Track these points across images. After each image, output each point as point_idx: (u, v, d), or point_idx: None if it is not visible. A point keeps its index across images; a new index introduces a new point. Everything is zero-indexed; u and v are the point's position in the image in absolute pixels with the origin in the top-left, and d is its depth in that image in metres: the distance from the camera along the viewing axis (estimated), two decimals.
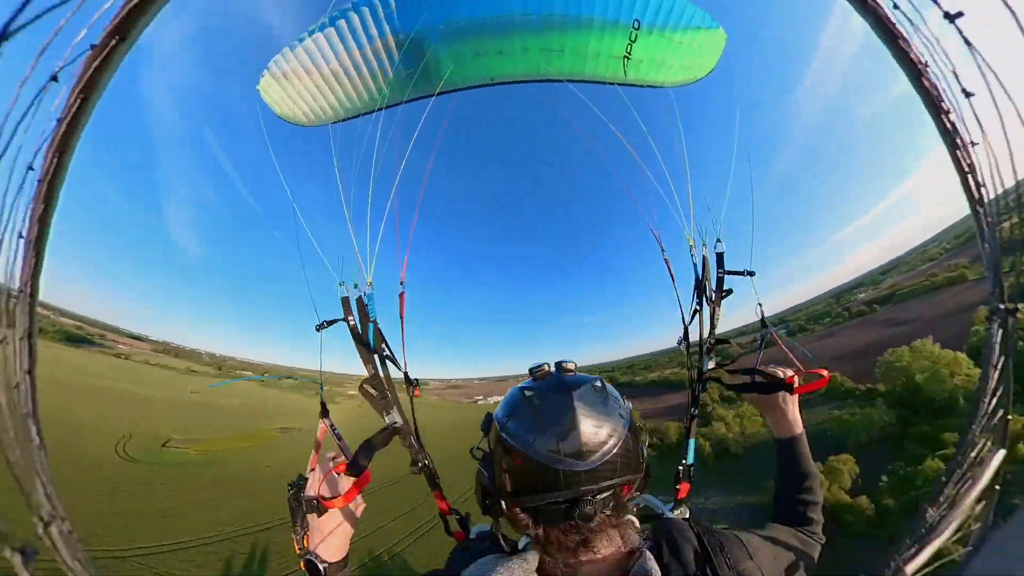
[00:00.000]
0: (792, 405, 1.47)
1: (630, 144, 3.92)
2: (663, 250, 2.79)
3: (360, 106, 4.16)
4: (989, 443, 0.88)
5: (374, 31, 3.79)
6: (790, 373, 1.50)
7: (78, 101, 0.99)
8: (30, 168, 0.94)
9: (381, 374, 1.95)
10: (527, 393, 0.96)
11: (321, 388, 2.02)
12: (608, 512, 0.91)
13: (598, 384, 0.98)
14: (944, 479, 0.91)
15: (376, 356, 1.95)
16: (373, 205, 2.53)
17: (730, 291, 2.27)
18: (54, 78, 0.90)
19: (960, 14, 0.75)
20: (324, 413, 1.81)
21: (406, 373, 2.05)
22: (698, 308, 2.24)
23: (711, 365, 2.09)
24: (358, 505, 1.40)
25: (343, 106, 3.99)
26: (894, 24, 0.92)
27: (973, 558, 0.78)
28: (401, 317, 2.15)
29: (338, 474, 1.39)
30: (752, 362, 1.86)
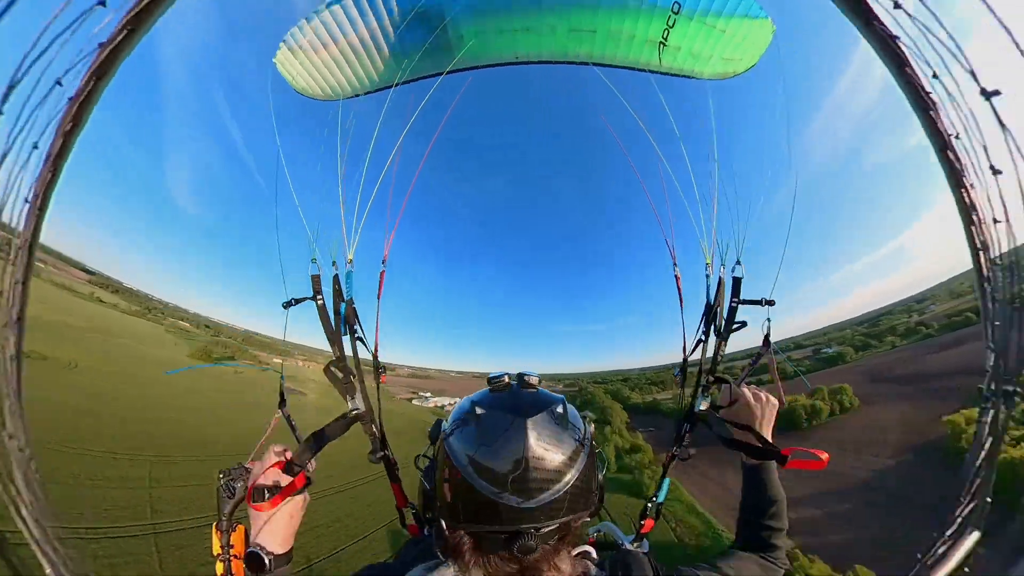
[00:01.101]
0: (768, 428, 1.46)
1: (655, 140, 3.79)
2: (675, 264, 2.67)
3: (377, 81, 4.12)
4: (965, 524, 0.91)
5: (394, 2, 3.70)
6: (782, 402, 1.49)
7: (126, 31, 1.00)
8: (58, 83, 0.96)
9: (349, 356, 1.91)
10: (478, 410, 0.89)
11: (281, 377, 1.91)
12: (552, 543, 0.87)
13: (558, 410, 0.90)
14: (919, 555, 0.95)
15: (348, 336, 1.91)
16: (366, 183, 2.44)
17: (743, 324, 2.08)
18: (102, 2, 0.92)
19: (997, 92, 0.72)
20: (281, 403, 1.76)
21: (376, 356, 1.98)
22: (703, 339, 2.12)
23: (703, 406, 1.98)
24: (304, 498, 1.34)
25: (360, 81, 3.96)
26: (928, 94, 0.89)
27: None
28: (379, 297, 2.10)
29: (269, 486, 1.27)
30: (743, 377, 1.82)
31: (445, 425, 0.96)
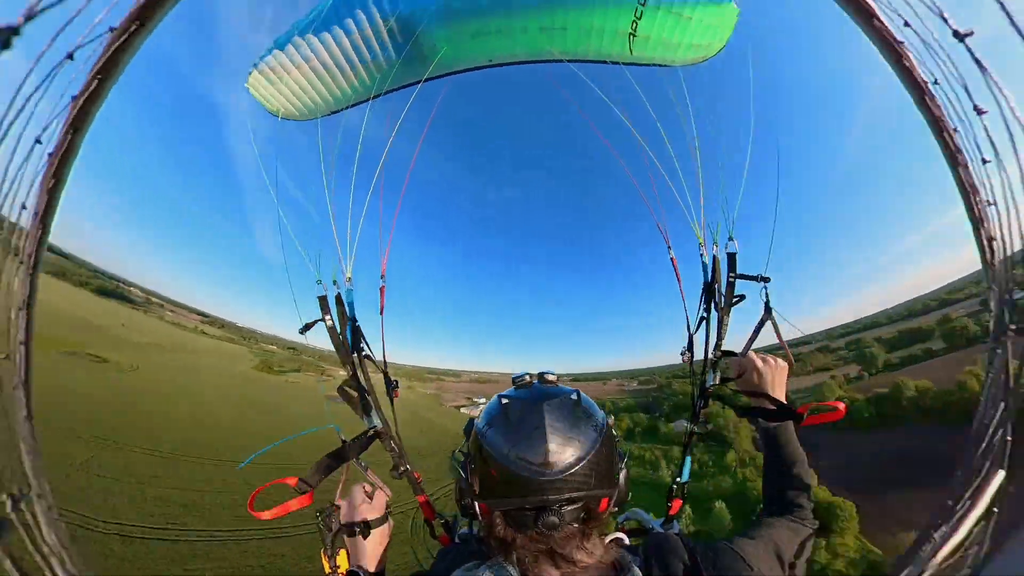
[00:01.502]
0: (781, 391, 1.50)
1: (639, 130, 3.85)
2: (669, 247, 2.71)
3: (352, 96, 4.13)
4: (989, 465, 0.92)
5: (363, 15, 3.73)
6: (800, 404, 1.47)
7: (95, 81, 1.04)
8: (37, 141, 0.98)
9: (360, 375, 1.97)
10: (504, 401, 1.04)
11: (339, 432, 1.97)
12: (578, 524, 0.95)
13: (573, 397, 1.03)
14: (949, 502, 0.96)
15: (355, 356, 1.97)
16: (356, 198, 2.53)
17: (742, 297, 2.13)
18: (70, 56, 0.94)
19: (970, 33, 0.75)
20: (346, 456, 1.86)
21: (386, 373, 2.08)
22: (705, 316, 2.16)
23: (716, 380, 2.02)
24: (389, 524, 1.60)
25: (335, 98, 3.96)
26: (900, 44, 0.92)
27: None
28: (381, 312, 2.17)
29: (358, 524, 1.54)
30: (748, 345, 1.83)
31: (477, 421, 1.10)
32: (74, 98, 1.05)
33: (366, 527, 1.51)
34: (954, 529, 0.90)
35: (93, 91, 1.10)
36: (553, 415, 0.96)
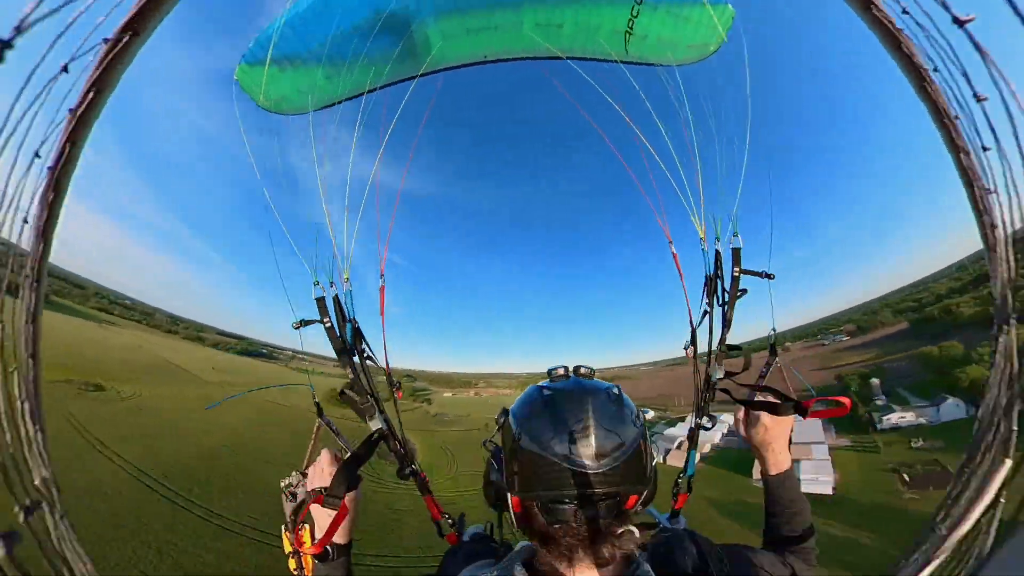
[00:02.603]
0: (784, 443, 1.51)
1: (639, 125, 3.89)
2: (671, 242, 2.74)
3: (344, 90, 4.11)
4: (995, 454, 0.93)
5: (356, 7, 3.73)
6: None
7: (91, 93, 1.05)
8: (36, 155, 0.99)
9: (362, 377, 1.96)
10: (545, 392, 1.04)
11: (312, 392, 2.07)
12: (611, 519, 0.96)
13: (614, 391, 1.04)
14: (952, 492, 0.96)
15: (356, 358, 1.97)
16: (352, 196, 2.52)
17: (744, 291, 2.18)
18: (64, 69, 0.95)
19: (970, 19, 0.77)
20: (319, 413, 1.91)
21: (388, 374, 2.09)
22: (708, 310, 2.19)
23: (720, 374, 2.05)
24: (357, 496, 1.49)
25: (326, 91, 3.95)
26: (900, 31, 0.94)
27: (979, 572, 0.83)
28: (381, 313, 2.17)
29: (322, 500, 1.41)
30: (758, 382, 1.85)
31: (513, 409, 1.10)
32: (71, 110, 1.06)
33: (336, 493, 1.41)
34: (960, 520, 0.91)
35: (90, 102, 1.12)
36: (598, 408, 0.97)
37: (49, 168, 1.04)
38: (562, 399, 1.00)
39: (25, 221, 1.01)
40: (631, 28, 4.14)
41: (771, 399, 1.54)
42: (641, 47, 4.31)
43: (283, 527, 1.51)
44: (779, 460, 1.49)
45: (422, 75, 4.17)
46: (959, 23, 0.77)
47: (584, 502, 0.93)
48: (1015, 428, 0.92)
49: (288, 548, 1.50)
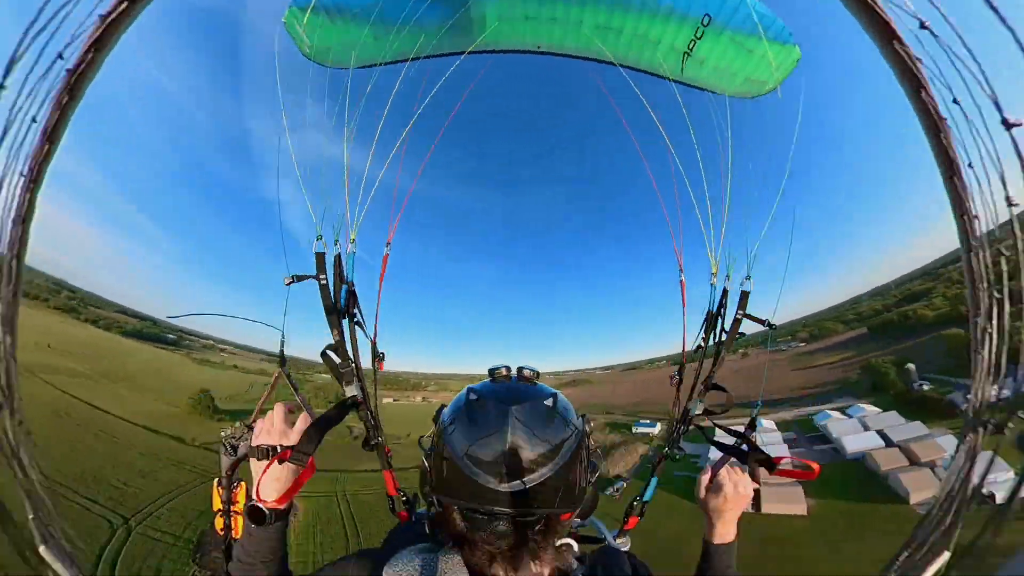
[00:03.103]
0: (736, 516, 1.51)
1: (672, 147, 3.87)
2: (681, 271, 2.76)
3: (390, 53, 4.08)
4: (936, 541, 0.96)
5: None
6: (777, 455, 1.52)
7: (124, 3, 1.05)
8: (60, 56, 1.00)
9: (347, 341, 1.94)
10: (471, 396, 0.98)
11: (282, 338, 1.96)
12: (535, 536, 0.92)
13: (548, 403, 0.96)
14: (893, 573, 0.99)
15: (346, 319, 1.94)
16: (373, 161, 2.49)
17: (743, 335, 2.23)
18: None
19: (1019, 123, 0.77)
20: (282, 363, 1.81)
21: (374, 343, 2.05)
22: (702, 345, 2.23)
23: (699, 410, 2.09)
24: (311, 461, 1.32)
25: (373, 51, 3.92)
26: (943, 119, 0.94)
27: None
28: (380, 281, 2.16)
29: (281, 461, 1.27)
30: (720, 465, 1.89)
31: (444, 410, 1.05)
32: (102, 16, 1.06)
33: (307, 450, 1.27)
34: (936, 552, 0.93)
35: (123, 11, 1.11)
36: (521, 422, 0.89)
37: (67, 71, 1.04)
38: (484, 407, 0.94)
39: (34, 120, 1.02)
40: (691, 49, 4.07)
41: (742, 447, 1.58)
42: (698, 70, 4.24)
43: (215, 481, 1.36)
44: (727, 531, 1.50)
45: (469, 53, 4.13)
46: (1007, 126, 0.77)
47: (494, 517, 0.88)
48: (961, 524, 0.95)
49: (218, 505, 1.34)
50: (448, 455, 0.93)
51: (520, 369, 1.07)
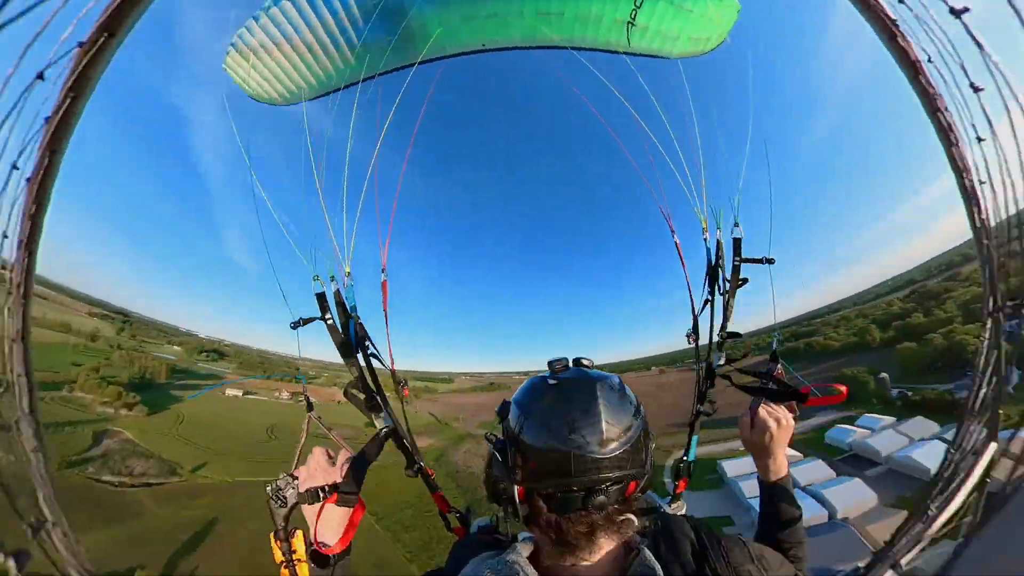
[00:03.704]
0: (782, 449, 1.52)
1: (638, 115, 3.91)
2: (673, 232, 2.74)
3: (337, 79, 4.07)
4: (983, 437, 0.97)
5: None
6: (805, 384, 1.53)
7: (68, 99, 1.02)
8: (14, 167, 0.97)
9: (367, 375, 1.94)
10: (551, 382, 1.05)
11: (303, 382, 2.07)
12: (615, 505, 0.97)
13: (616, 381, 1.08)
14: (942, 472, 1.00)
15: (359, 355, 1.94)
16: (349, 190, 2.48)
17: (746, 280, 2.23)
18: (40, 76, 0.93)
19: (966, 9, 0.79)
20: (308, 408, 1.83)
21: (393, 371, 2.05)
22: (710, 298, 2.23)
23: (721, 361, 2.10)
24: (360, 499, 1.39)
25: (319, 80, 3.90)
26: (894, 21, 0.96)
27: (965, 550, 0.87)
28: (384, 309, 2.15)
29: (330, 500, 1.31)
30: (757, 376, 1.85)
31: (517, 399, 1.11)
32: (47, 119, 1.04)
33: (333, 490, 1.31)
34: (949, 500, 0.95)
35: (67, 109, 1.08)
36: (605, 395, 1.00)
37: (27, 180, 1.01)
38: (570, 388, 1.03)
39: (5, 236, 0.99)
40: (633, 19, 4.13)
41: (770, 386, 1.58)
42: (642, 38, 4.30)
43: (272, 536, 1.39)
44: (779, 467, 1.50)
45: (420, 63, 4.14)
46: (955, 13, 0.79)
47: (593, 489, 0.95)
48: (1001, 411, 0.96)
49: (279, 557, 1.37)
50: (538, 439, 0.99)
51: (577, 359, 1.16)
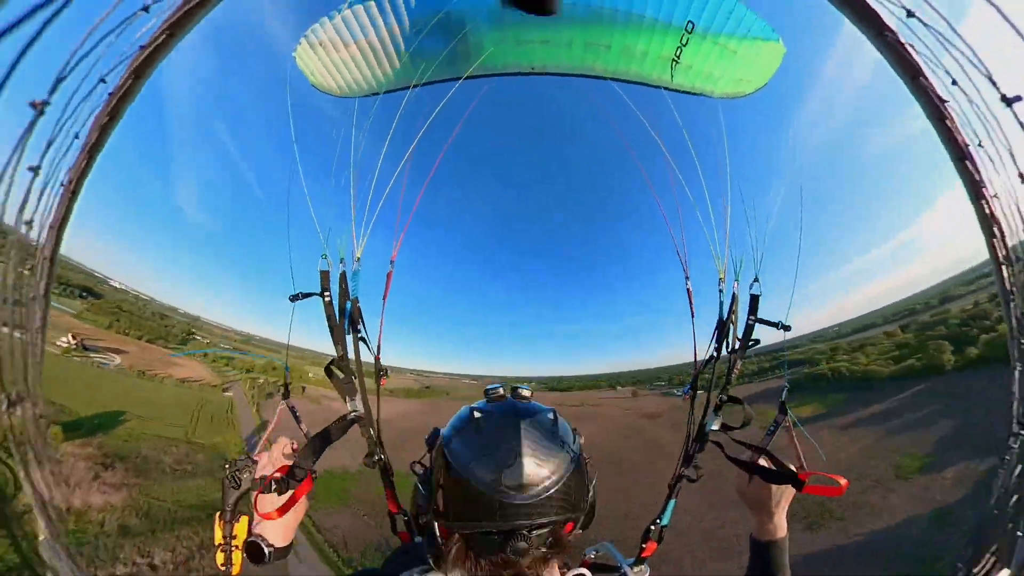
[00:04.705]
0: (782, 509, 1.41)
1: (669, 154, 3.87)
2: (687, 278, 2.68)
3: (393, 81, 4.26)
4: (994, 560, 0.87)
5: (415, 5, 3.88)
6: (803, 468, 1.41)
7: (164, 35, 1.12)
8: (102, 80, 1.06)
9: (351, 356, 1.93)
10: (476, 415, 0.98)
11: (286, 369, 2.02)
12: (544, 549, 0.91)
13: (550, 416, 1.00)
14: None
15: (350, 336, 1.94)
16: (378, 183, 2.49)
17: (757, 341, 2.08)
18: (145, 8, 1.01)
19: (1019, 98, 0.73)
20: (285, 395, 1.82)
21: (377, 358, 2.05)
22: (715, 355, 2.09)
23: (715, 426, 1.92)
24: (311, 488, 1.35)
25: (376, 80, 4.12)
26: (945, 103, 0.90)
27: None
28: (384, 297, 2.17)
29: (276, 479, 1.28)
30: (758, 439, 1.71)
31: (443, 431, 1.04)
32: (142, 46, 1.13)
33: (286, 483, 1.26)
34: None
35: (161, 43, 1.17)
36: (530, 434, 0.92)
37: (108, 93, 1.10)
38: (492, 422, 0.96)
39: (76, 137, 1.06)
40: (678, 56, 4.12)
41: (768, 465, 1.45)
42: (686, 76, 4.28)
43: (218, 514, 1.34)
44: (777, 525, 1.39)
45: (466, 78, 4.26)
46: (1007, 102, 0.74)
47: (512, 535, 0.87)
48: (1021, 533, 0.86)
49: (219, 539, 1.31)
50: (457, 476, 0.92)
51: (515, 389, 1.08)
